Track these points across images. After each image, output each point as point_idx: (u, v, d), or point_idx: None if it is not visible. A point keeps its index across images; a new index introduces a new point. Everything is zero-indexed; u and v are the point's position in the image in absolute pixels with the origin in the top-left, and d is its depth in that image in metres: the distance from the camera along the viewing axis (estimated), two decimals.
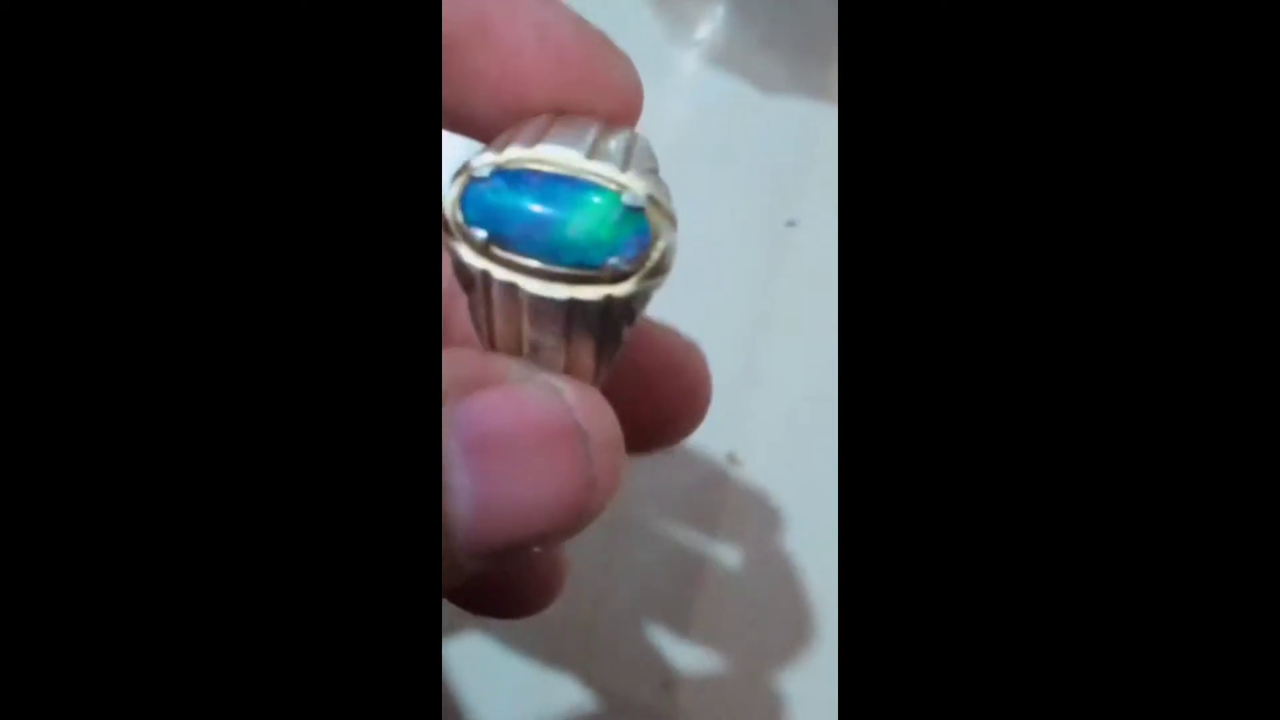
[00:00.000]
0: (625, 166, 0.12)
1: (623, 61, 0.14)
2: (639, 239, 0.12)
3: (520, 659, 0.25)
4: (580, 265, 0.12)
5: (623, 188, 0.12)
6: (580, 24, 0.13)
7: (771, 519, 0.27)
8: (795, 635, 0.26)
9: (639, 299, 0.12)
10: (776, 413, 0.27)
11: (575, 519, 0.12)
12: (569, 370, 0.12)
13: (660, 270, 0.12)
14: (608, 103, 0.13)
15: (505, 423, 0.12)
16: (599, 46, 0.14)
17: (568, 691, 0.25)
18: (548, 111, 0.13)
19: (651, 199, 0.12)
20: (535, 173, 0.12)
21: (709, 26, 0.31)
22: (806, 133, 0.30)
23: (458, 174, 0.12)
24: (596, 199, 0.11)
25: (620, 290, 0.12)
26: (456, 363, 0.12)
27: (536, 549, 0.12)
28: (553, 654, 0.25)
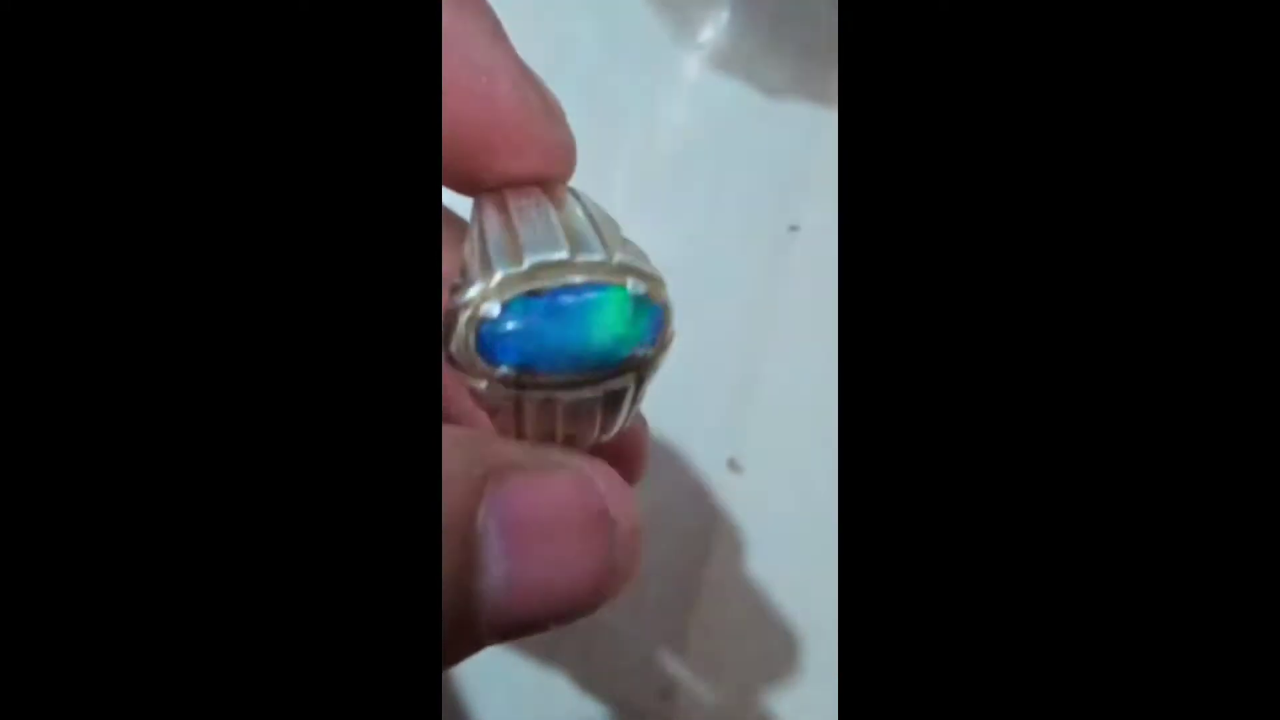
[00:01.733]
0: (605, 245, 0.12)
1: (556, 118, 0.14)
2: (655, 322, 0.12)
3: (518, 665, 0.25)
4: (606, 364, 0.12)
5: (621, 276, 0.12)
6: (521, 73, 0.13)
7: (772, 525, 0.26)
8: (795, 643, 0.26)
9: (657, 368, 0.12)
10: (778, 419, 0.27)
11: (595, 601, 0.12)
12: (600, 436, 0.13)
13: (672, 336, 0.12)
14: (540, 161, 0.13)
15: (544, 509, 0.12)
16: (535, 99, 0.13)
17: (566, 698, 0.25)
18: (488, 190, 0.13)
19: (645, 276, 0.12)
20: (536, 293, 0.11)
21: (713, 30, 0.31)
22: (810, 137, 0.30)
23: (453, 315, 0.12)
24: (608, 303, 0.12)
25: (647, 370, 0.12)
26: (494, 447, 0.12)
27: (550, 628, 0.12)
28: (551, 660, 0.25)
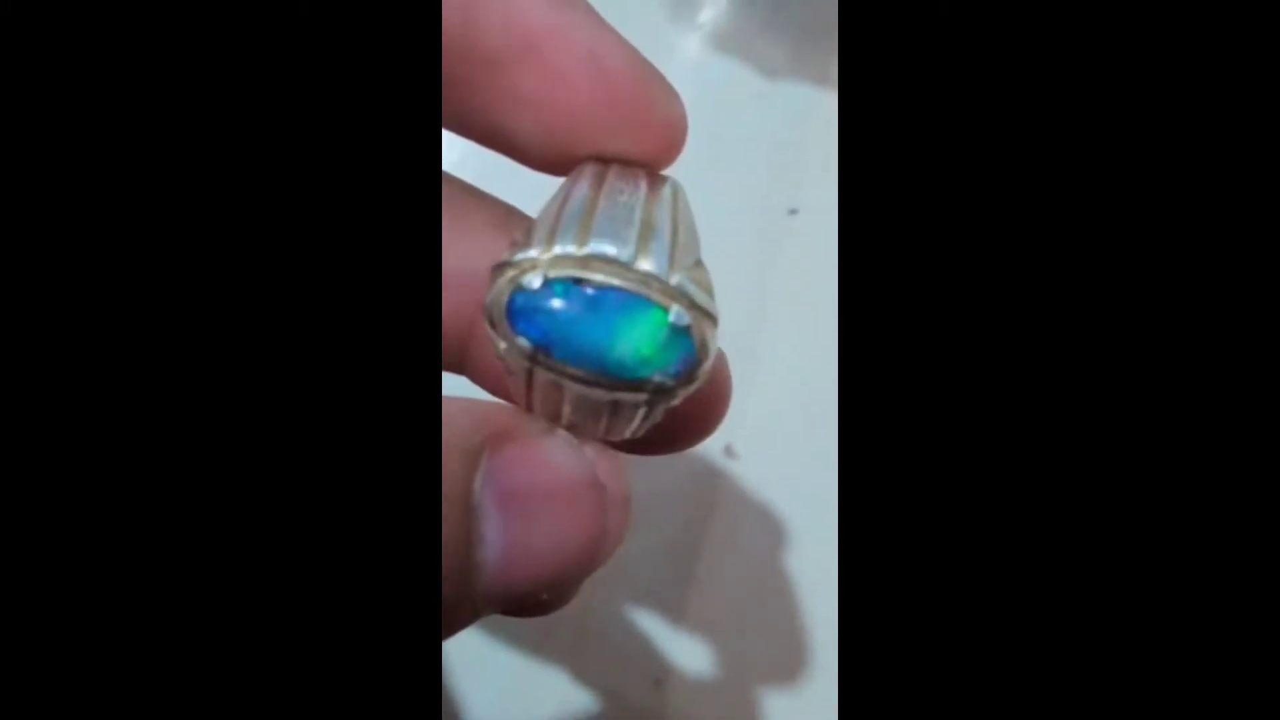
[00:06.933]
0: (672, 261, 0.12)
1: (670, 95, 0.14)
2: (684, 357, 0.12)
3: (510, 655, 0.25)
4: (621, 377, 0.11)
5: (670, 299, 0.11)
6: (631, 52, 0.13)
7: (768, 513, 0.26)
8: (790, 633, 0.26)
9: (679, 399, 0.12)
10: (774, 405, 0.27)
11: (588, 569, 0.13)
12: (606, 435, 0.13)
13: (703, 376, 0.12)
14: (652, 138, 0.13)
15: (537, 477, 0.12)
16: (648, 78, 0.13)
17: (558, 688, 0.25)
18: (590, 158, 0.13)
19: (696, 308, 0.11)
20: (581, 282, 0.11)
21: (712, 10, 0.31)
22: (809, 118, 0.29)
23: (501, 268, 0.12)
24: (643, 322, 0.11)
25: (662, 399, 0.12)
26: (490, 417, 0.12)
27: (545, 596, 0.12)
28: (543, 649, 0.25)
